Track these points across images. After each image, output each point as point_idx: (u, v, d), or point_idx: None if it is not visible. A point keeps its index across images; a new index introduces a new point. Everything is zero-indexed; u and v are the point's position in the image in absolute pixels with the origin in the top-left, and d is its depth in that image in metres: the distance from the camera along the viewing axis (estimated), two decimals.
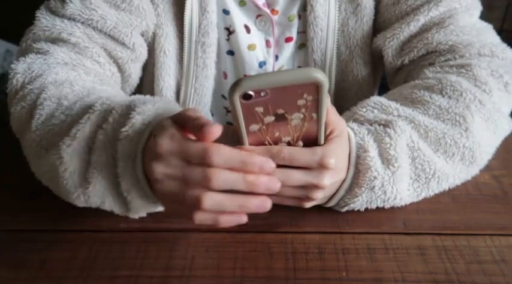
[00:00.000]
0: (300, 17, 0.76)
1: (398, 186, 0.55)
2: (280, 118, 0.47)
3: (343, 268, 0.51)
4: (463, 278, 0.50)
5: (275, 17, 0.76)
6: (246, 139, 0.49)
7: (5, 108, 0.63)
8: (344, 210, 0.57)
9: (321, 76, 0.43)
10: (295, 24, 0.76)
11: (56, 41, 0.66)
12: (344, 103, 0.80)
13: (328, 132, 0.50)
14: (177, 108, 0.55)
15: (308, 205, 0.54)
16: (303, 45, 0.78)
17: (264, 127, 0.48)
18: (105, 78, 0.66)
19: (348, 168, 0.54)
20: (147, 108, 0.52)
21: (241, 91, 0.43)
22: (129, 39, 0.70)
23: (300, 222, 0.56)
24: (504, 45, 0.69)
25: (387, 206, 0.57)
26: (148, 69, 0.79)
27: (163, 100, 0.55)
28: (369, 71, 0.79)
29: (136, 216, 0.56)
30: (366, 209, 0.57)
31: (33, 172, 0.57)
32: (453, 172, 0.58)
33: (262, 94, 0.44)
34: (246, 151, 0.50)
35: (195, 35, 0.75)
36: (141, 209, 0.54)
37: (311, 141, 0.50)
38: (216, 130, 0.45)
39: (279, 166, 0.50)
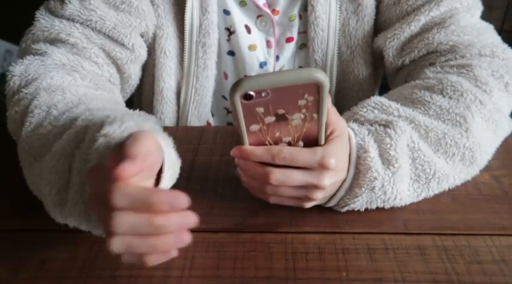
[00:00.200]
0: (300, 17, 0.76)
1: (398, 187, 0.55)
2: (281, 118, 0.47)
3: (343, 268, 0.51)
4: (463, 278, 0.50)
5: (276, 17, 0.76)
6: (246, 139, 0.49)
7: (4, 109, 0.63)
8: (344, 210, 0.57)
9: (322, 77, 0.43)
10: (296, 24, 0.76)
11: (54, 41, 0.66)
12: (345, 103, 0.80)
13: (328, 132, 0.51)
14: (147, 129, 0.50)
15: (308, 205, 0.55)
16: (303, 45, 0.78)
17: (265, 127, 0.48)
18: (100, 82, 0.66)
19: (348, 168, 0.54)
20: (112, 130, 0.48)
21: (242, 91, 0.43)
22: (129, 40, 0.70)
23: (300, 222, 0.56)
24: (505, 46, 0.69)
25: (387, 206, 0.57)
26: (149, 70, 0.79)
27: (137, 119, 0.51)
28: (370, 70, 0.79)
29: None
30: (366, 209, 0.57)
31: None
32: (453, 173, 0.58)
33: (263, 94, 0.44)
34: (246, 151, 0.50)
35: (195, 35, 0.75)
36: None
37: (311, 141, 0.50)
38: (126, 172, 0.40)
39: (279, 166, 0.50)
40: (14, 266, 0.52)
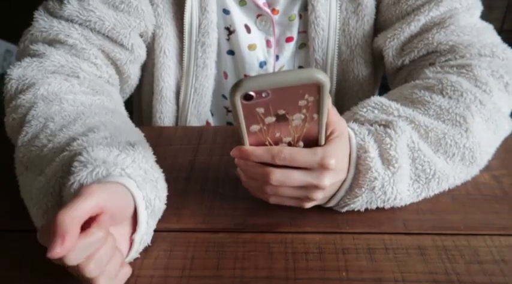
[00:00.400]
0: (300, 16, 0.76)
1: (398, 187, 0.55)
2: (281, 118, 0.47)
3: (343, 268, 0.51)
4: (463, 278, 0.50)
5: (276, 17, 0.76)
6: (246, 139, 0.49)
7: (4, 109, 0.63)
8: (344, 210, 0.57)
9: (323, 77, 0.43)
10: (296, 23, 0.76)
11: (53, 42, 0.66)
12: (345, 103, 0.80)
13: (328, 133, 0.50)
14: (117, 180, 0.48)
15: (308, 205, 0.54)
16: (303, 44, 0.78)
17: (265, 127, 0.48)
18: (99, 86, 0.65)
19: (348, 169, 0.54)
20: (82, 176, 0.47)
21: (242, 91, 0.43)
22: (128, 40, 0.70)
23: (300, 222, 0.56)
24: (505, 46, 0.69)
25: (387, 206, 0.57)
26: (148, 70, 0.79)
27: (109, 167, 0.48)
28: (370, 70, 0.79)
29: None
30: (366, 209, 0.57)
31: None
32: (453, 173, 0.58)
33: (263, 94, 0.44)
34: (246, 151, 0.50)
35: (195, 34, 0.74)
36: None
37: (312, 142, 0.50)
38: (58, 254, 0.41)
39: (279, 166, 0.50)
40: (14, 266, 0.52)
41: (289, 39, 0.77)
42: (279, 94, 0.44)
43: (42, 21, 0.66)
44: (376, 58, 0.79)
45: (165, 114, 0.80)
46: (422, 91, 0.61)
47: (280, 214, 0.57)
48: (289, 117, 0.47)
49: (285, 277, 0.50)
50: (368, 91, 0.80)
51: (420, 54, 0.70)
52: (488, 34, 0.70)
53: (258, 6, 0.75)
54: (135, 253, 0.51)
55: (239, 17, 0.76)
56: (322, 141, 0.50)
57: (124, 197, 0.48)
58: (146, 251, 0.53)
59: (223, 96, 0.84)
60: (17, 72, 0.62)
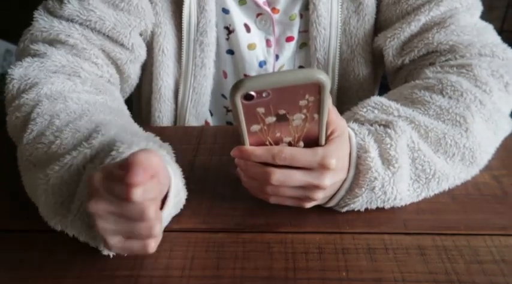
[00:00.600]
0: (301, 16, 0.75)
1: (398, 187, 0.55)
2: (282, 118, 0.47)
3: (343, 268, 0.51)
4: (463, 278, 0.50)
5: (276, 16, 0.76)
6: (247, 139, 0.49)
7: (4, 108, 0.63)
8: (344, 210, 0.57)
9: (324, 77, 0.43)
10: (297, 23, 0.76)
11: (53, 42, 0.66)
12: (345, 102, 0.80)
13: (329, 133, 0.50)
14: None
15: (308, 205, 0.54)
16: (304, 44, 0.77)
17: (265, 127, 0.48)
18: (101, 85, 0.65)
19: (349, 169, 0.54)
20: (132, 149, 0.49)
21: (242, 91, 0.43)
22: (128, 40, 0.70)
23: (300, 222, 0.56)
24: (505, 46, 0.69)
25: (387, 206, 0.57)
26: (147, 69, 0.79)
27: (151, 146, 0.52)
28: (370, 70, 0.79)
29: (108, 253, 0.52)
30: (366, 209, 0.57)
31: None
32: (453, 173, 0.58)
33: (263, 94, 0.44)
34: (246, 151, 0.50)
35: (193, 33, 0.74)
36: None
37: (312, 142, 0.50)
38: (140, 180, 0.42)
39: (280, 166, 0.50)
40: (14, 266, 0.52)
41: (289, 39, 0.77)
42: (279, 94, 0.44)
43: (42, 21, 0.66)
44: (376, 57, 0.79)
45: (163, 113, 0.80)
46: (422, 91, 0.61)
47: (280, 214, 0.57)
48: (289, 117, 0.46)
49: (285, 277, 0.50)
50: (368, 90, 0.80)
51: (420, 53, 0.70)
52: (489, 34, 0.70)
53: (258, 5, 0.75)
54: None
55: (239, 16, 0.76)
56: (323, 141, 0.50)
57: (167, 173, 0.49)
58: None
59: (223, 96, 0.84)
60: (19, 72, 0.62)
